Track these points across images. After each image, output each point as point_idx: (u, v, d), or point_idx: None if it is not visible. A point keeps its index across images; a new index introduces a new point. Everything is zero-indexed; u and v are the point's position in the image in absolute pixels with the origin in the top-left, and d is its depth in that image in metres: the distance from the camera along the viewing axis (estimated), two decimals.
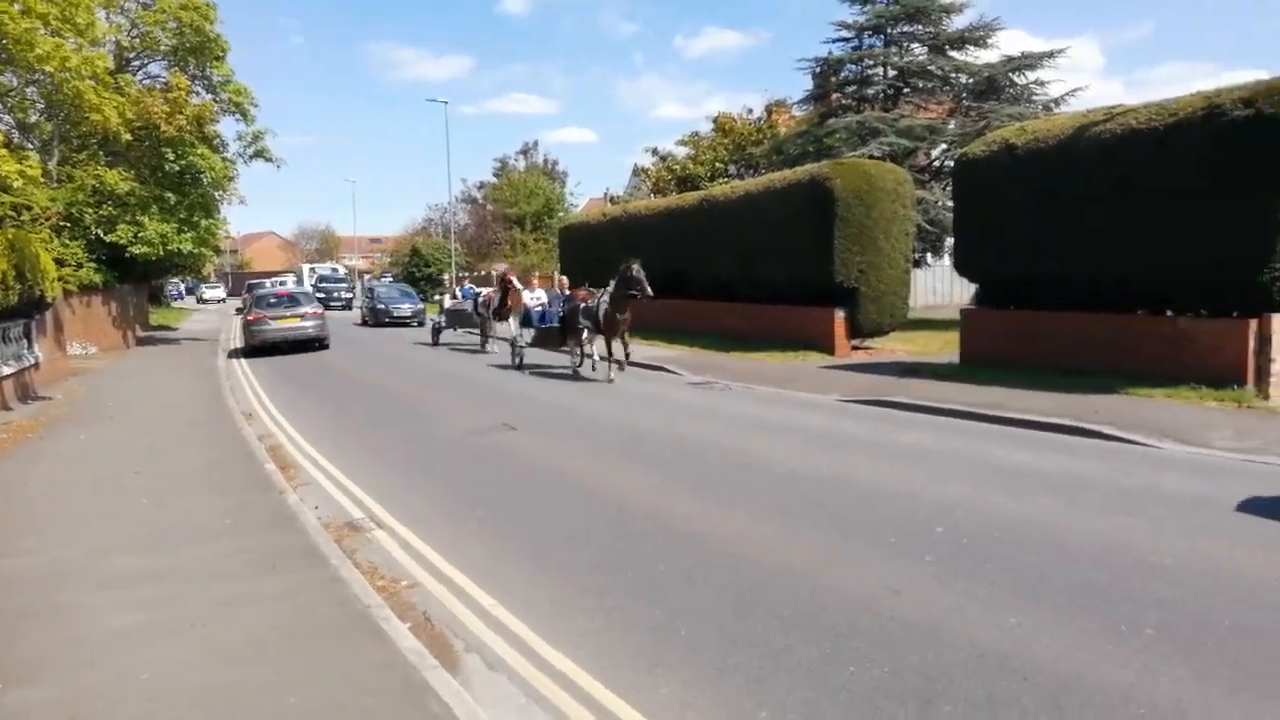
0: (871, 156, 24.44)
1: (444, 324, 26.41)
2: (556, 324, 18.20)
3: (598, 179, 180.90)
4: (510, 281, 20.89)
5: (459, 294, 27.99)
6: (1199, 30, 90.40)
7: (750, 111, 40.87)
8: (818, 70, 31.74)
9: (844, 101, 30.97)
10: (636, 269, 15.23)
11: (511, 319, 20.27)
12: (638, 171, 47.85)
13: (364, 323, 35.86)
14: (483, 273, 47.02)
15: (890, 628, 4.81)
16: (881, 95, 30.06)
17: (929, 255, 30.05)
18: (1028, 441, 9.85)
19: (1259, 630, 4.60)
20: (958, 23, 29.34)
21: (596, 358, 16.96)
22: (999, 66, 28.51)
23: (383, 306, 34.74)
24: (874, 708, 4.02)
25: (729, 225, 21.77)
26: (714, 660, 4.59)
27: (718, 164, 38.90)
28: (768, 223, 20.04)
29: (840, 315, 18.60)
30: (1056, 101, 28.22)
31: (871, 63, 30.22)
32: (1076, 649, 4.46)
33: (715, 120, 40.86)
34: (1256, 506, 6.80)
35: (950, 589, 5.31)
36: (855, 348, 19.11)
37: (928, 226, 26.17)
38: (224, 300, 67.25)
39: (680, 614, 5.19)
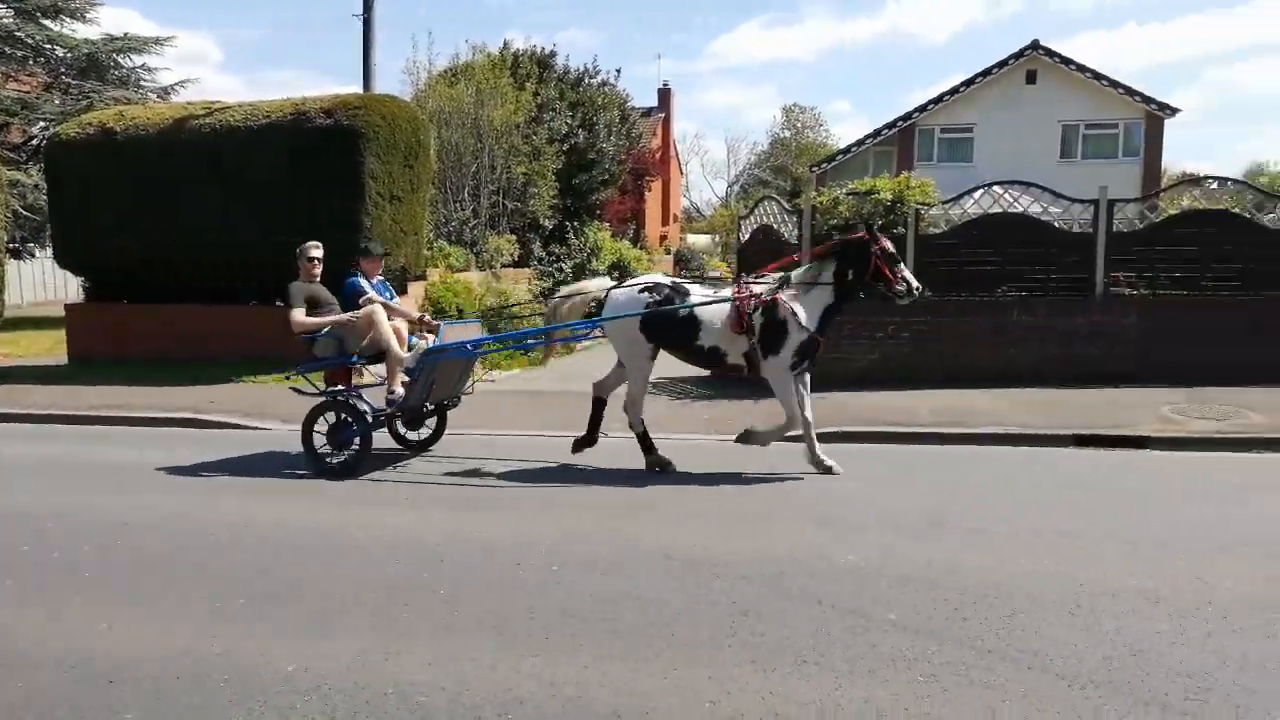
0: None
1: None
2: None
3: None
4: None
5: None
6: (309, 44, 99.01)
7: None
8: None
9: None
10: None
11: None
12: None
13: None
14: None
15: None
16: None
17: (34, 246, 26.63)
18: (145, 439, 9.55)
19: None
20: None
21: None
22: (101, 45, 26.61)
23: None
24: None
25: None
26: None
27: None
28: None
29: None
30: (170, 89, 27.60)
31: None
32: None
33: None
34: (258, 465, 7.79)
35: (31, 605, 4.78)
36: None
37: (26, 213, 23.06)
38: None
39: None
